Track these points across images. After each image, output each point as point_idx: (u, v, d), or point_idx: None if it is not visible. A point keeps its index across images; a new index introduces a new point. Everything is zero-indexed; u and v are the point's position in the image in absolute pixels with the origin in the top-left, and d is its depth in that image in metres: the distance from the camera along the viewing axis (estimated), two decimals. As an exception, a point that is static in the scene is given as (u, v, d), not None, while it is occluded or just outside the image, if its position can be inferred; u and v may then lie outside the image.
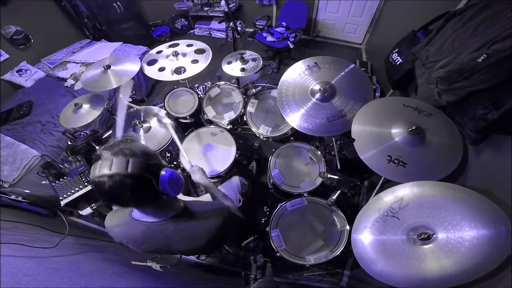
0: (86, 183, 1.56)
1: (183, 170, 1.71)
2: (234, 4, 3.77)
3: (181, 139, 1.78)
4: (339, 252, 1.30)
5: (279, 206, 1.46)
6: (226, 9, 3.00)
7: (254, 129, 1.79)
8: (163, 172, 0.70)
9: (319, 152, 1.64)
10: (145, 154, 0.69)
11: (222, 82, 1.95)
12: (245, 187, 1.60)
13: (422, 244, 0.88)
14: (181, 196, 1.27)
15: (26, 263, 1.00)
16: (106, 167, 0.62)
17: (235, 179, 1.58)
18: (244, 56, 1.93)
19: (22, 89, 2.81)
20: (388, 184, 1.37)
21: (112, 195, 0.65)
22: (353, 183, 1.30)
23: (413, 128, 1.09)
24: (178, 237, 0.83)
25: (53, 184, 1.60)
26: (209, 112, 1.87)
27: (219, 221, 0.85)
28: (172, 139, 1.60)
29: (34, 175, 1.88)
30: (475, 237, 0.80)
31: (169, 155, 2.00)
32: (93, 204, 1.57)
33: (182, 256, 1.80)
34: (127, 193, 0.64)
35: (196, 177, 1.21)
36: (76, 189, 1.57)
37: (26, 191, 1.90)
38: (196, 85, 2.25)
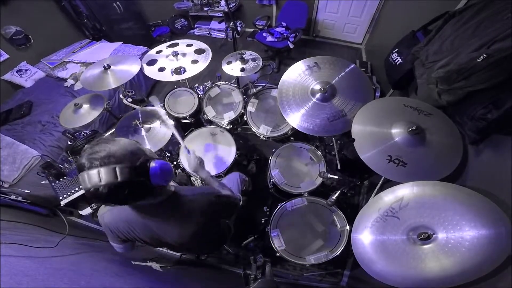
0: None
1: (183, 170, 1.71)
2: (234, 4, 3.77)
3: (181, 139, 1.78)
4: (339, 252, 1.30)
5: (279, 206, 1.46)
6: (226, 9, 3.00)
7: (254, 129, 1.79)
8: (153, 164, 0.69)
9: (319, 152, 1.64)
10: (127, 156, 0.66)
11: (222, 82, 1.95)
12: (246, 183, 1.59)
13: (422, 244, 0.88)
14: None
15: (26, 263, 1.00)
16: (95, 178, 0.62)
17: (234, 175, 1.56)
18: (244, 56, 1.93)
19: (22, 89, 2.81)
20: (388, 184, 1.37)
21: (111, 200, 0.67)
22: (353, 183, 1.30)
23: (413, 128, 1.09)
24: (169, 222, 0.85)
25: (53, 184, 1.60)
26: (209, 112, 1.88)
27: (207, 200, 0.89)
28: (172, 138, 1.58)
29: (34, 175, 1.88)
30: (475, 237, 0.80)
31: (169, 155, 2.01)
32: (93, 204, 1.57)
33: (182, 255, 1.80)
34: (124, 196, 0.67)
35: (194, 165, 1.22)
36: (76, 189, 1.58)
37: (26, 191, 1.90)
38: (196, 85, 2.25)
